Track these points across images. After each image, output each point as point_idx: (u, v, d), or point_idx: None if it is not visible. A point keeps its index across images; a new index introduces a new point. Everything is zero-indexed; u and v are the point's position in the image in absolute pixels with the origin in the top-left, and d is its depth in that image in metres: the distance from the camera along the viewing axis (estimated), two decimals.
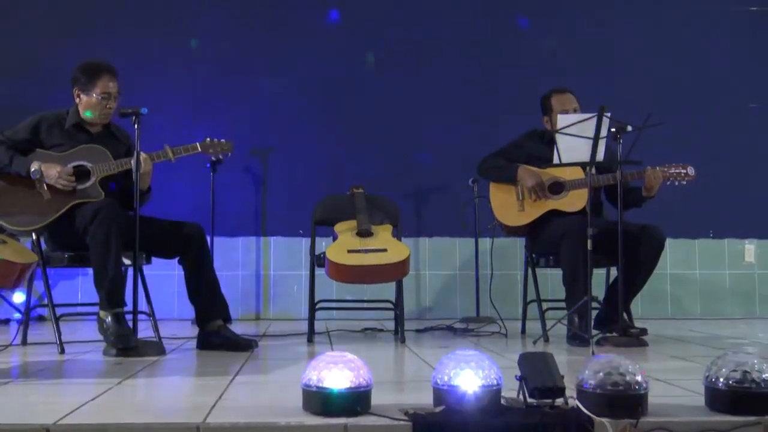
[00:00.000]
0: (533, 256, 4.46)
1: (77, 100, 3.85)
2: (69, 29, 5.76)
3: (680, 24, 6.16)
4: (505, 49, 6.03)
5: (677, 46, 6.14)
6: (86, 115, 3.83)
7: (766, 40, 6.19)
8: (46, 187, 3.67)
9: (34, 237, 3.81)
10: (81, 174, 3.73)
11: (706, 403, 2.17)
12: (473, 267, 5.66)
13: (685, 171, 4.17)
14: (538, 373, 2.10)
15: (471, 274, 5.68)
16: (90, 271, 3.61)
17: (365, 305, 5.37)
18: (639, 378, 2.06)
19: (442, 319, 5.37)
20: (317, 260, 4.28)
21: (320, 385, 2.04)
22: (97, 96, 3.79)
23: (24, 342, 3.90)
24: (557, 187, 4.30)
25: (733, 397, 2.08)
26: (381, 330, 4.76)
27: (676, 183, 4.19)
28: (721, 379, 2.11)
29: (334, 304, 5.19)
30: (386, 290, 4.76)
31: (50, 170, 3.65)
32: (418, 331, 4.74)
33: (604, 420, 1.98)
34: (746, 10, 6.24)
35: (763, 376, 2.08)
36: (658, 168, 4.16)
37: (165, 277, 5.24)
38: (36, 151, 3.75)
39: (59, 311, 3.86)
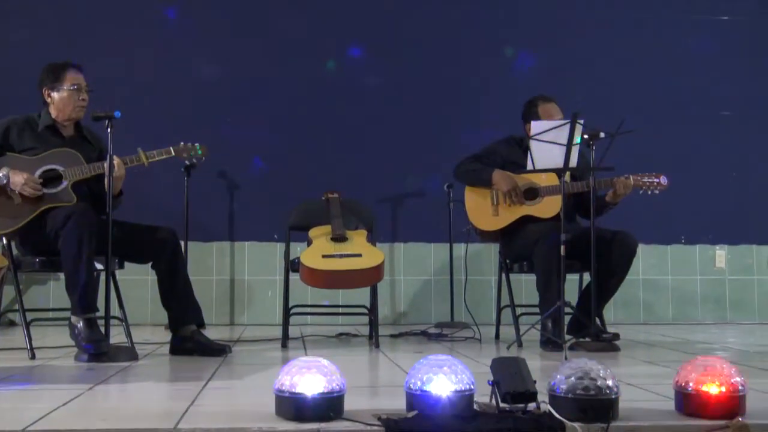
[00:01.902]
0: (507, 261, 4.49)
1: (48, 101, 3.82)
2: (39, 35, 5.71)
3: (653, 33, 6.23)
4: (480, 56, 6.06)
5: (650, 54, 6.20)
6: (59, 116, 3.80)
7: (738, 49, 6.28)
8: (17, 191, 3.62)
9: (4, 241, 3.77)
10: (53, 178, 3.70)
11: (676, 407, 2.19)
12: (448, 272, 5.68)
13: (657, 180, 4.21)
14: (510, 378, 2.11)
15: (446, 279, 5.70)
16: (62, 275, 3.58)
17: (340, 310, 5.37)
18: (610, 383, 2.08)
19: (417, 324, 5.38)
20: (292, 265, 4.27)
21: (293, 390, 2.04)
22: (68, 88, 3.76)
23: None
24: (532, 193, 4.32)
25: (701, 401, 2.10)
26: (356, 335, 4.77)
27: (649, 192, 4.22)
28: (690, 384, 2.13)
29: (308, 310, 5.18)
30: (361, 295, 4.76)
31: (17, 177, 3.60)
32: (392, 336, 4.75)
33: (576, 424, 1.99)
34: (718, 20, 6.32)
35: (731, 380, 2.11)
36: (631, 176, 4.19)
37: (139, 282, 5.21)
38: (6, 154, 3.71)
39: (30, 316, 3.82)
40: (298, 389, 2.03)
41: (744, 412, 2.11)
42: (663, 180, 4.22)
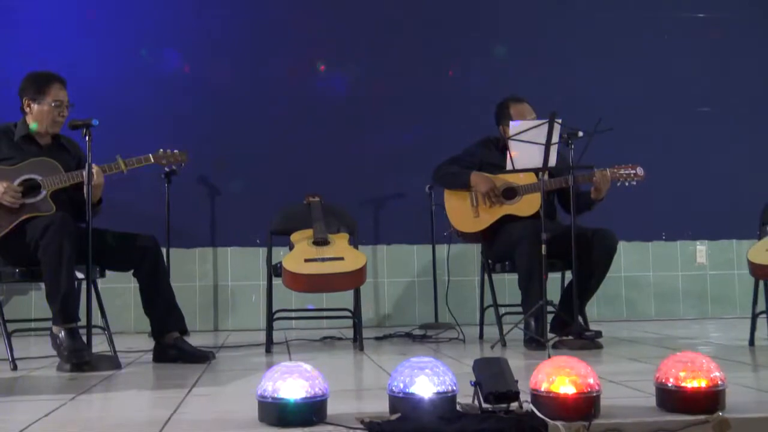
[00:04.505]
0: (489, 261, 4.50)
1: (27, 110, 3.79)
2: (18, 42, 5.68)
3: (630, 30, 6.27)
4: (458, 56, 6.08)
5: (627, 51, 6.24)
6: (33, 126, 3.77)
7: (714, 46, 6.33)
8: None
9: None
10: (31, 187, 3.67)
11: (657, 403, 2.21)
12: (431, 274, 5.69)
13: (634, 171, 4.27)
14: (492, 379, 2.12)
15: (429, 280, 5.71)
16: (43, 285, 3.56)
17: (324, 314, 5.37)
18: (591, 381, 2.09)
19: (401, 326, 5.39)
20: (274, 270, 4.26)
21: (275, 395, 2.04)
22: (50, 104, 3.74)
23: None
24: (510, 193, 4.34)
25: (682, 397, 2.12)
26: (340, 338, 4.76)
27: (626, 183, 4.28)
28: (671, 379, 2.15)
29: (292, 314, 5.18)
30: (345, 299, 4.76)
31: None
32: (377, 338, 4.75)
33: (558, 423, 2.00)
34: (694, 17, 6.37)
35: (711, 375, 2.13)
36: (607, 170, 4.23)
37: (121, 290, 5.19)
38: None
39: (11, 327, 3.79)
40: (281, 394, 2.03)
41: (724, 407, 2.13)
42: (639, 171, 4.27)
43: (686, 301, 6.15)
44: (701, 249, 6.22)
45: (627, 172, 4.25)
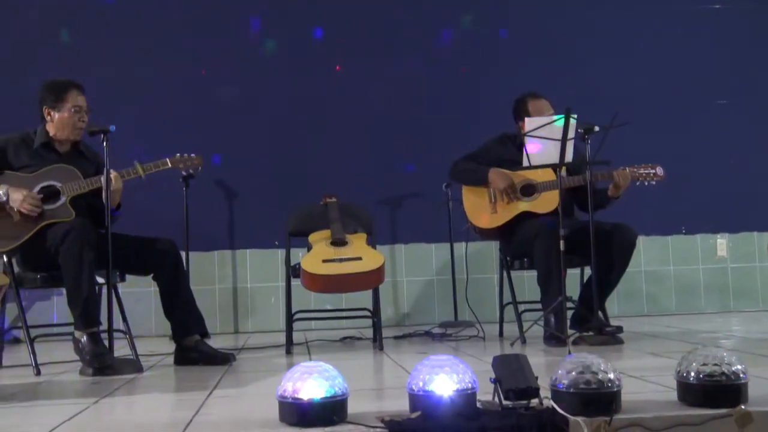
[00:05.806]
0: (507, 258, 4.49)
1: (48, 119, 3.82)
2: (31, 50, 5.73)
3: (646, 22, 6.23)
4: (474, 53, 6.07)
5: (643, 44, 6.21)
6: (57, 134, 3.81)
7: (731, 38, 6.28)
8: (16, 208, 3.63)
9: (5, 259, 3.76)
10: (51, 194, 3.70)
11: (678, 398, 2.20)
12: (450, 272, 5.68)
13: (653, 171, 4.24)
14: (512, 375, 2.12)
15: (448, 279, 5.70)
16: (65, 290, 3.59)
17: (343, 314, 5.38)
18: (611, 376, 2.09)
19: (421, 324, 5.38)
20: (293, 271, 4.27)
21: (295, 396, 2.05)
22: (69, 110, 3.77)
23: None
24: (529, 189, 4.33)
25: (703, 390, 2.11)
26: (360, 338, 4.77)
27: (646, 183, 4.26)
28: (692, 373, 2.14)
29: (312, 315, 5.18)
30: (364, 298, 4.76)
31: (15, 194, 3.61)
32: (396, 338, 4.75)
33: (579, 419, 1.99)
34: (711, 8, 6.32)
35: (733, 368, 2.12)
36: (627, 169, 4.21)
37: (142, 294, 5.22)
38: (4, 173, 3.72)
39: (34, 332, 3.82)
40: (301, 394, 2.04)
41: (746, 400, 2.12)
42: (659, 170, 4.25)
43: (708, 295, 6.11)
44: (722, 242, 6.18)
45: (647, 171, 4.24)
